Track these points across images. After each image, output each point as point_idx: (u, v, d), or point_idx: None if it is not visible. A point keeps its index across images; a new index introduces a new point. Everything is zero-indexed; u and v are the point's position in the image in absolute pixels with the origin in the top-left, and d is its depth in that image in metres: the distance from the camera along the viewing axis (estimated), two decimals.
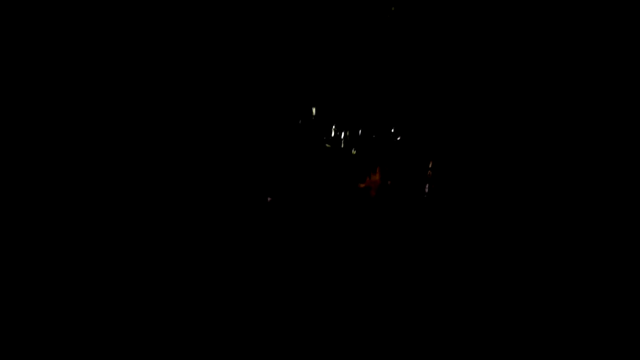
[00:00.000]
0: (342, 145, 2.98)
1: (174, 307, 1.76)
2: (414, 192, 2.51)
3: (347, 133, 3.02)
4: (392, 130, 2.71)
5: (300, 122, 2.80)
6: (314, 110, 2.80)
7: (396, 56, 2.80)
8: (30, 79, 1.66)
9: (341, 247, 2.37)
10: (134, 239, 1.91)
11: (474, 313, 2.00)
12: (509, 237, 2.26)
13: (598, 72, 2.13)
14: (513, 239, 2.25)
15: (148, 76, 2.00)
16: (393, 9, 2.64)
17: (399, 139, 2.89)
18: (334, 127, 3.12)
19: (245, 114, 2.57)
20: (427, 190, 2.49)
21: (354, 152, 2.85)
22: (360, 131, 2.94)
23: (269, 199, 2.60)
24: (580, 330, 1.90)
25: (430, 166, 2.52)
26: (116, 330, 1.57)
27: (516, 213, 2.27)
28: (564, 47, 2.19)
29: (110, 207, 1.86)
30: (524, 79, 2.35)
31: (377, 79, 2.92)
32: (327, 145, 2.85)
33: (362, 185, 2.57)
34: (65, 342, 1.47)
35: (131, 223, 1.92)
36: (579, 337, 1.87)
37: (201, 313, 1.78)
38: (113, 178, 1.88)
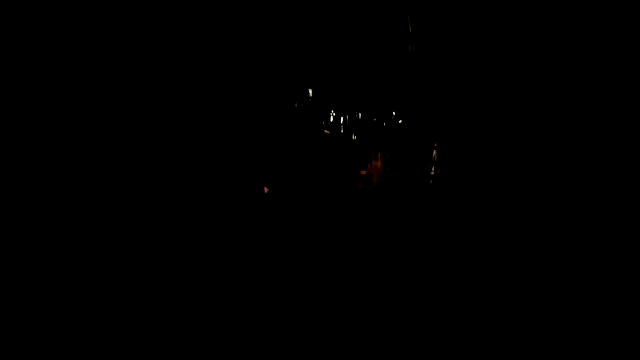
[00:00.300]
0: (342, 131, 2.82)
1: (165, 302, 1.75)
2: (419, 178, 2.36)
3: (347, 117, 2.85)
4: (394, 113, 2.55)
5: (296, 105, 2.63)
6: (310, 91, 2.62)
7: (396, 34, 2.62)
8: (30, 79, 1.67)
9: (342, 238, 2.23)
10: (123, 230, 1.89)
11: (479, 312, 1.87)
12: (523, 228, 2.12)
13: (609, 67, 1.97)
14: (528, 231, 2.11)
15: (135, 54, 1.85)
16: None
17: (400, 122, 2.73)
18: (332, 112, 2.95)
19: (239, 97, 2.40)
20: (432, 174, 2.34)
21: (354, 137, 2.69)
22: (360, 115, 2.77)
23: (265, 189, 2.46)
24: (585, 328, 1.78)
25: (435, 149, 2.36)
26: (104, 324, 1.58)
27: (531, 203, 2.13)
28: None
29: (98, 195, 1.83)
30: (535, 54, 2.18)
31: (377, 58, 2.74)
32: (326, 131, 2.69)
33: (363, 173, 2.42)
34: (63, 342, 1.48)
35: (120, 214, 1.89)
36: (584, 335, 1.75)
37: (194, 308, 1.75)
38: (102, 163, 1.85)
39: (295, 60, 2.68)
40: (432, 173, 2.35)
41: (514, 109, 2.20)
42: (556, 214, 2.09)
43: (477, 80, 2.31)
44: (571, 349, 1.73)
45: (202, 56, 2.17)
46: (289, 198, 2.33)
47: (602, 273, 1.96)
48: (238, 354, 1.57)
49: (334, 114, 2.88)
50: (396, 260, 2.16)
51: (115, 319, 1.63)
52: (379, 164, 2.41)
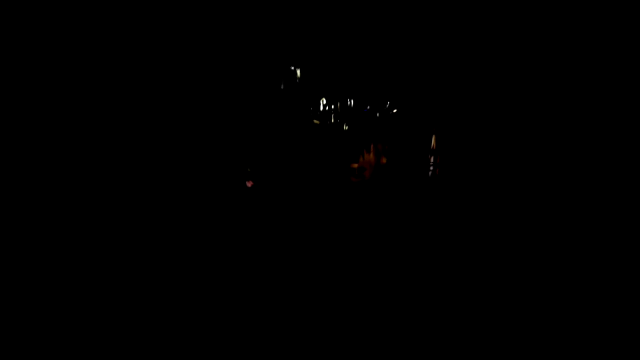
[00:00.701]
0: (333, 120, 2.63)
1: (153, 300, 1.73)
2: (416, 170, 2.20)
3: (339, 105, 2.66)
4: (388, 103, 2.37)
5: (282, 90, 2.42)
6: (298, 72, 2.42)
7: (391, 14, 2.42)
8: (29, 80, 1.69)
9: (331, 237, 2.07)
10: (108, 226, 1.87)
11: (479, 311, 1.75)
12: (528, 226, 1.98)
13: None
14: (533, 229, 1.98)
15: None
16: None
17: (395, 111, 2.55)
18: (323, 99, 2.75)
19: (214, 78, 2.19)
20: (431, 166, 2.18)
21: (345, 127, 2.50)
22: (352, 103, 2.58)
23: (249, 183, 2.27)
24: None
25: (434, 139, 2.20)
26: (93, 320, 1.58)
27: (538, 198, 1.99)
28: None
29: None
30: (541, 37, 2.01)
31: (370, 39, 2.54)
32: (316, 121, 2.50)
33: (355, 166, 2.25)
34: (61, 342, 1.49)
35: (105, 210, 1.87)
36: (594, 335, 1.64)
37: (183, 307, 1.72)
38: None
39: (280, 43, 2.47)
40: (431, 165, 2.19)
41: (523, 95, 2.04)
42: (561, 211, 1.95)
43: (480, 64, 2.13)
44: (573, 349, 1.63)
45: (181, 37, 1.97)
46: (276, 193, 2.16)
47: (602, 272, 1.85)
48: (230, 354, 1.52)
49: (325, 102, 2.69)
50: (391, 258, 2.01)
51: (104, 317, 1.63)
52: (371, 156, 2.24)
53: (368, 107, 2.44)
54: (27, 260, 1.71)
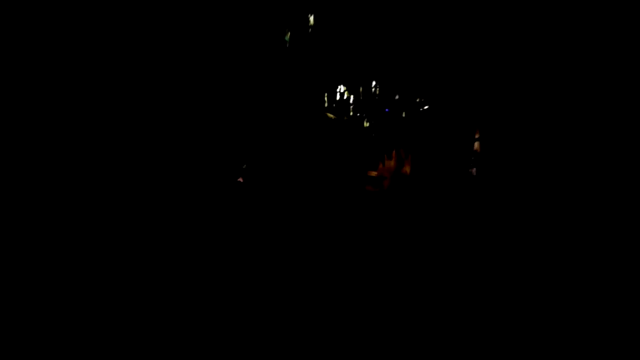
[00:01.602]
0: (351, 114, 2.26)
1: (149, 299, 1.69)
2: (450, 181, 1.86)
3: (360, 94, 2.28)
4: (418, 99, 1.98)
5: (290, 73, 2.04)
6: (312, 19, 1.97)
7: None
8: (29, 80, 1.70)
9: (339, 255, 1.80)
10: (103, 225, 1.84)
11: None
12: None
13: None
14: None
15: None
16: None
17: (426, 107, 2.16)
18: (341, 86, 2.36)
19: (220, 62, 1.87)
20: (471, 177, 1.83)
21: (366, 124, 2.14)
22: (377, 91, 2.19)
23: (240, 179, 1.97)
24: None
25: (477, 146, 1.83)
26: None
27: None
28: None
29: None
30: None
31: (400, 16, 2.10)
32: (330, 114, 2.14)
33: (373, 174, 1.93)
34: (60, 342, 1.49)
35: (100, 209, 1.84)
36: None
37: (181, 306, 1.66)
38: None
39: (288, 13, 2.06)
40: (471, 175, 1.84)
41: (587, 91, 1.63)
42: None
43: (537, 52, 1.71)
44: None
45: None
46: (276, 198, 1.89)
47: None
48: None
49: (342, 91, 2.31)
50: (411, 293, 1.74)
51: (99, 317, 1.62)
52: (392, 163, 1.91)
53: (397, 100, 2.07)
54: (27, 260, 1.73)
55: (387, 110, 1.89)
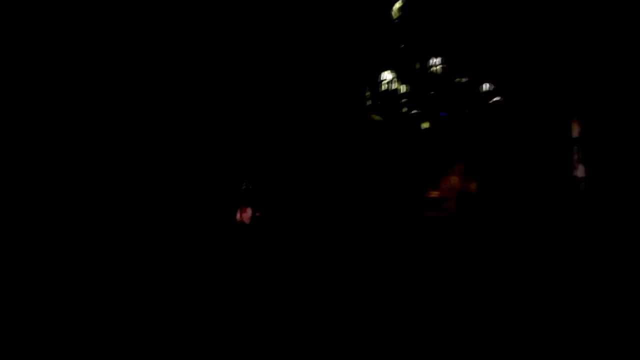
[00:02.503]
0: (404, 110, 1.78)
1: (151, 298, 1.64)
2: (529, 203, 1.39)
3: (415, 87, 1.77)
4: (495, 96, 1.42)
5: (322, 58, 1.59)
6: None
7: None
8: (29, 80, 1.71)
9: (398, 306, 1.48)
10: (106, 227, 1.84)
11: None
12: None
13: None
14: None
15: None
16: None
17: (499, 98, 1.57)
18: (386, 74, 1.86)
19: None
20: (575, 196, 1.34)
21: (425, 125, 1.66)
22: (437, 83, 1.66)
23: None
24: None
25: (578, 155, 1.31)
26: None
27: None
28: None
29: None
30: None
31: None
32: (375, 116, 1.70)
33: (434, 194, 1.51)
34: (60, 342, 1.48)
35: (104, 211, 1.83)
36: None
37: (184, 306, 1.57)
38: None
39: None
40: (576, 193, 1.34)
41: None
42: None
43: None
44: None
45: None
46: (303, 233, 1.59)
47: None
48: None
49: (388, 79, 1.83)
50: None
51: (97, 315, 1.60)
52: (456, 179, 1.47)
53: (463, 100, 1.57)
54: (25, 260, 1.75)
55: (443, 114, 1.42)
